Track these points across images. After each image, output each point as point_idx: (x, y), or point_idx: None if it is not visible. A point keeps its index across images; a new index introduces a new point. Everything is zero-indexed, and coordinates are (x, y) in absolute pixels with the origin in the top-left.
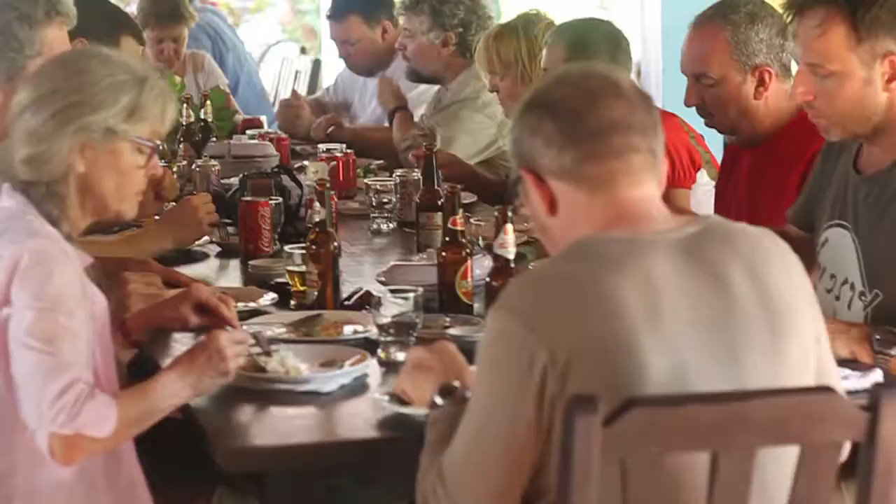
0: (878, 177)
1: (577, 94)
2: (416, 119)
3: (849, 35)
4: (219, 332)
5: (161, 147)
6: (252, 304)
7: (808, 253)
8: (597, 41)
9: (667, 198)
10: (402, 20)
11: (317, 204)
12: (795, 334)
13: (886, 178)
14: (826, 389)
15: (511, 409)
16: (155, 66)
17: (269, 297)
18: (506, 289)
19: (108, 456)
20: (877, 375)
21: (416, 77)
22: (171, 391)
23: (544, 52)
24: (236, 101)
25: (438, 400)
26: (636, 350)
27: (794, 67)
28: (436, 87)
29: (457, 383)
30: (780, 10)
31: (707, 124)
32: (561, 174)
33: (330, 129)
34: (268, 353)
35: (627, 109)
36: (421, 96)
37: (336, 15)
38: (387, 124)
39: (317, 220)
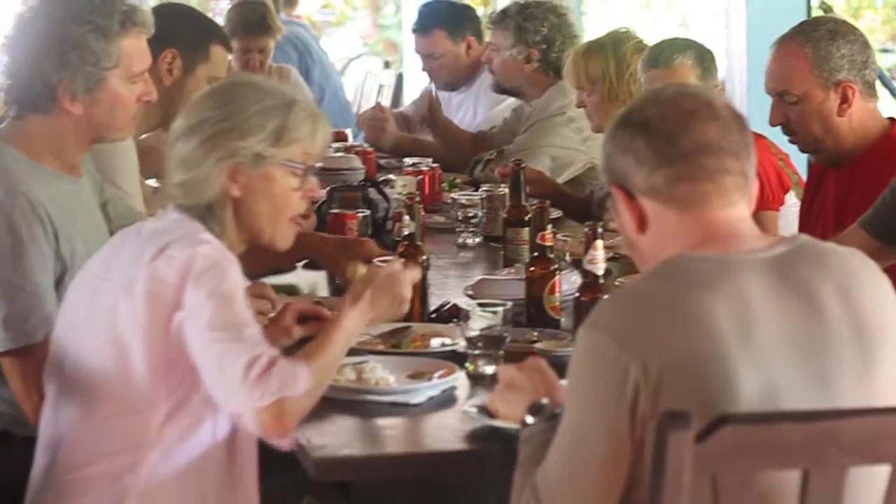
0: None
1: (671, 113)
2: (494, 124)
3: None
4: (399, 271)
5: (317, 168)
6: None
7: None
8: (711, 59)
9: (755, 220)
10: (488, 34)
11: (406, 217)
12: (887, 355)
13: None
14: None
15: (604, 425)
16: None
17: None
18: (596, 307)
19: (227, 474)
20: None
21: (500, 89)
22: (352, 329)
23: (647, 73)
24: None
25: (529, 419)
26: (727, 368)
27: (879, 87)
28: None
29: (545, 400)
30: None
31: (791, 142)
32: (652, 193)
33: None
34: None
35: (721, 131)
36: (506, 111)
37: (421, 29)
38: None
39: (406, 233)
